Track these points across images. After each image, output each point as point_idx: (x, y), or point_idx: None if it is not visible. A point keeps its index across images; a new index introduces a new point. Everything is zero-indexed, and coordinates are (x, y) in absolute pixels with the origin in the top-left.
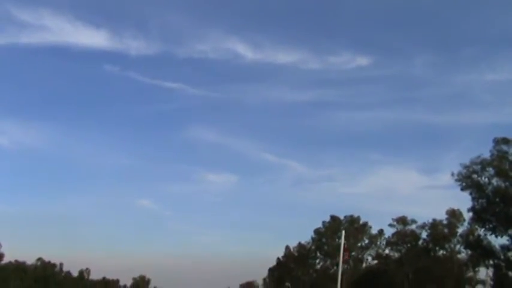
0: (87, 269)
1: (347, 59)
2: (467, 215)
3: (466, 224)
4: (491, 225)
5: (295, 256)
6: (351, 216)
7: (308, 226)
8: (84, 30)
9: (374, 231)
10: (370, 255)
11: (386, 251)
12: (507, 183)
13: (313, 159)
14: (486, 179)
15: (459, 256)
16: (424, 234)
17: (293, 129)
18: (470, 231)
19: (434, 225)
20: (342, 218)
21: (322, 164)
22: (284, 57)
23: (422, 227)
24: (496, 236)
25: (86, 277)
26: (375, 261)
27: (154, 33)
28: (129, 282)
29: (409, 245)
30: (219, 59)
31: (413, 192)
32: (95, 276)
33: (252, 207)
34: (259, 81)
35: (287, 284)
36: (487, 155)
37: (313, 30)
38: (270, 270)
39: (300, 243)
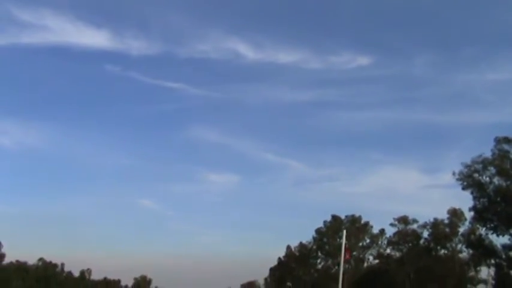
0: (88, 269)
1: (348, 58)
2: (469, 215)
3: (467, 223)
4: (492, 225)
5: (297, 256)
6: (352, 215)
7: (309, 226)
8: (85, 30)
9: (375, 230)
10: (371, 254)
11: (388, 251)
12: (508, 183)
13: (314, 159)
14: (487, 178)
15: (461, 255)
16: (425, 234)
17: (294, 129)
18: (471, 231)
19: (435, 224)
20: (343, 217)
21: (323, 163)
22: (285, 57)
23: (424, 226)
24: (498, 235)
25: (87, 277)
26: (376, 261)
27: (155, 33)
28: (130, 282)
29: (410, 245)
30: (220, 59)
31: (414, 191)
32: (96, 276)
33: (253, 207)
34: (260, 81)
35: (288, 283)
36: (488, 154)
37: (314, 30)
38: (271, 270)
39: (301, 242)
